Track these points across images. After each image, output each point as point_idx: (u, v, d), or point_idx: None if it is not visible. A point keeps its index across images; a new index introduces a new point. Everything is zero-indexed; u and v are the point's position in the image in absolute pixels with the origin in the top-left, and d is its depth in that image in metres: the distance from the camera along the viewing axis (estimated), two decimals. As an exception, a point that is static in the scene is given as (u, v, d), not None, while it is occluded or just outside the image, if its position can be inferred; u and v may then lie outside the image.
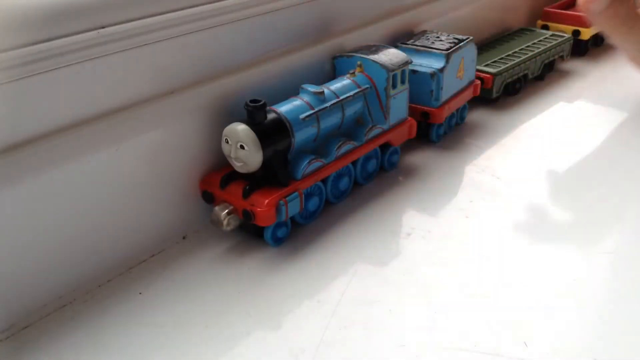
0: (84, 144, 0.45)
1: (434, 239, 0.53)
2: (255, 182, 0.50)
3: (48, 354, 0.42)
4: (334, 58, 0.62)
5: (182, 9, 0.49)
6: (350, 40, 0.65)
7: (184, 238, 0.54)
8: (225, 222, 0.50)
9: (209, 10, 0.51)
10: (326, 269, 0.49)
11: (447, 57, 0.65)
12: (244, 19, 0.54)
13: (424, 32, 0.71)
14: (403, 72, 0.59)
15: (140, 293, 0.48)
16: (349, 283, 0.47)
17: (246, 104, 0.49)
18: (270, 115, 0.50)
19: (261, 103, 0.49)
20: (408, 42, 0.68)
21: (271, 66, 0.57)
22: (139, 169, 0.49)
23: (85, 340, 0.43)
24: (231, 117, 0.52)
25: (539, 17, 0.97)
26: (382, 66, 0.57)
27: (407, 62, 0.59)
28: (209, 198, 0.52)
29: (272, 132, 0.49)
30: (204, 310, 0.46)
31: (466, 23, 0.86)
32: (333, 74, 0.62)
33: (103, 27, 0.43)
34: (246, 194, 0.50)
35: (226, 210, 0.50)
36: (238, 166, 0.50)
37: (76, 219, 0.46)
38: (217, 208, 0.50)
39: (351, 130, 0.57)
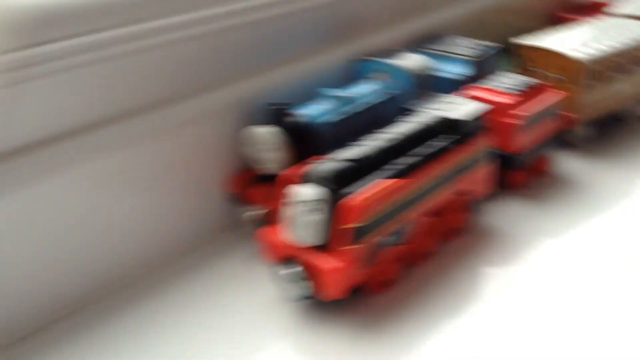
0: (124, 138, 0.46)
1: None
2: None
3: (81, 349, 0.42)
4: (355, 61, 0.61)
5: (202, 9, 0.49)
6: (370, 43, 0.64)
7: (222, 232, 0.54)
8: (251, 226, 0.50)
9: (229, 12, 0.51)
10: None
11: (475, 64, 0.64)
12: (266, 20, 0.55)
13: (446, 37, 0.70)
14: (428, 77, 0.59)
15: (183, 286, 0.48)
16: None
17: (270, 106, 0.49)
18: (293, 119, 0.50)
19: (286, 106, 0.49)
20: (431, 47, 0.67)
21: (292, 68, 0.57)
22: (177, 163, 0.50)
23: (123, 335, 0.43)
24: (253, 119, 0.52)
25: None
26: (407, 71, 0.57)
27: (432, 68, 0.59)
28: (234, 199, 0.52)
29: (296, 137, 0.50)
30: (248, 307, 0.46)
31: (485, 27, 0.84)
32: (353, 78, 0.62)
33: (139, 23, 0.45)
34: (271, 197, 0.49)
35: (252, 213, 0.50)
36: (262, 169, 0.50)
37: (112, 212, 0.47)
38: (243, 210, 0.51)
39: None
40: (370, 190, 0.42)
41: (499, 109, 0.55)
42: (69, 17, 0.41)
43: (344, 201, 0.41)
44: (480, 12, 0.83)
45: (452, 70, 0.64)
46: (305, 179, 0.43)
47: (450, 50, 0.66)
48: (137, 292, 0.47)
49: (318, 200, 0.41)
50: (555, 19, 0.96)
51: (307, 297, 0.43)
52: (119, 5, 0.44)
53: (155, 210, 0.50)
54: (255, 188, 0.51)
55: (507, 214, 0.56)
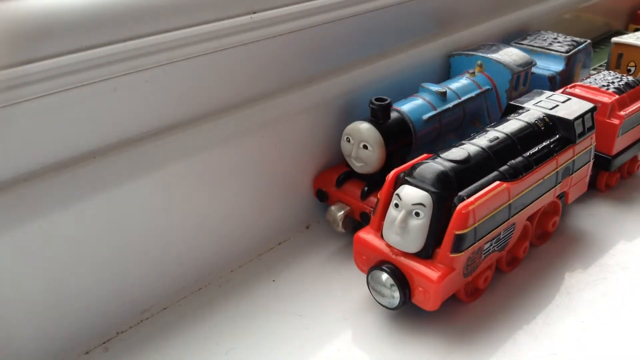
0: (212, 137, 0.44)
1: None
2: (373, 183, 0.48)
3: (186, 334, 0.42)
4: (450, 56, 0.59)
5: (300, 2, 0.47)
6: (463, 38, 0.62)
7: (307, 227, 0.53)
8: (341, 224, 0.48)
9: (324, 5, 0.49)
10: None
11: (567, 60, 0.61)
12: (363, 14, 0.52)
13: (538, 32, 0.68)
14: (526, 73, 0.56)
15: (273, 280, 0.47)
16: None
17: (371, 102, 0.47)
18: (393, 115, 0.48)
19: (387, 102, 0.47)
20: (523, 42, 0.65)
21: (386, 63, 0.55)
22: (265, 161, 0.48)
23: (223, 323, 0.43)
24: (346, 115, 0.50)
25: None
26: (506, 67, 0.54)
27: (531, 63, 0.56)
28: (323, 196, 0.51)
29: (396, 133, 0.47)
30: (340, 301, 0.44)
31: (571, 24, 0.82)
32: (447, 72, 0.60)
33: (255, 12, 0.44)
34: (364, 196, 0.48)
35: (342, 212, 0.48)
36: (358, 166, 0.48)
37: (211, 207, 0.46)
38: (333, 208, 0.49)
39: (468, 131, 0.55)
40: (478, 194, 0.39)
41: (600, 109, 0.52)
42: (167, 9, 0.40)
43: (451, 206, 0.39)
44: (566, 9, 0.80)
45: (545, 65, 0.61)
46: (407, 180, 0.40)
47: (541, 45, 0.63)
48: (224, 290, 0.46)
49: (421, 204, 0.39)
50: (637, 18, 0.94)
51: (399, 305, 0.40)
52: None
53: (240, 208, 0.48)
54: (344, 185, 0.49)
55: (595, 216, 0.53)
